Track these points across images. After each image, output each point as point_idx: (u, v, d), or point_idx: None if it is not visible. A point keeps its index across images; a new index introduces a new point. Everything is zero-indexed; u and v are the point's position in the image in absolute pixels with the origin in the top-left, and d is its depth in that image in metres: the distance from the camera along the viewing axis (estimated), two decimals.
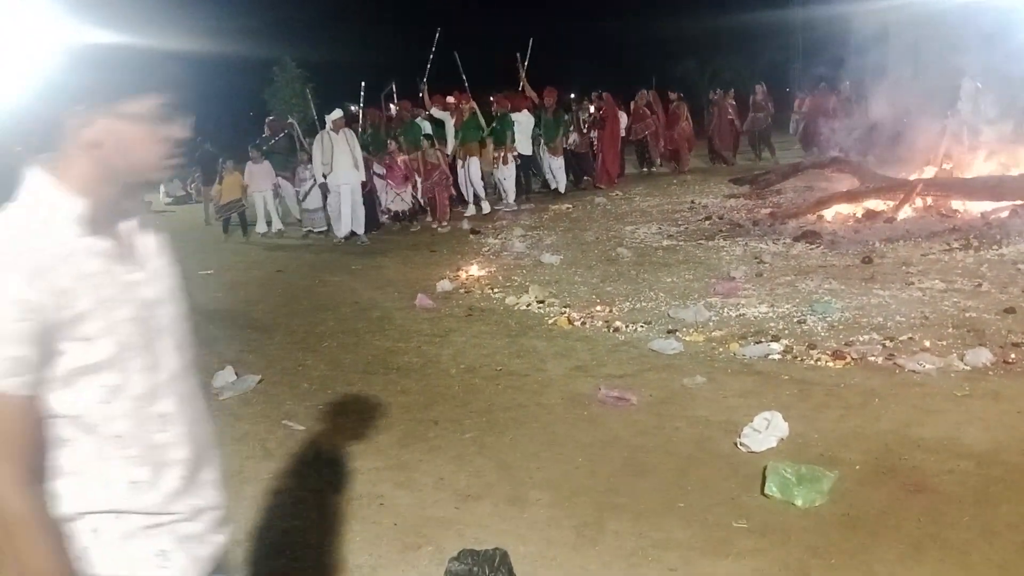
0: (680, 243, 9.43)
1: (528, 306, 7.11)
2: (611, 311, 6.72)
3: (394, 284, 8.52)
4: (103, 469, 1.44)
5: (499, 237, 10.91)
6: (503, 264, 9.07)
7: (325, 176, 11.47)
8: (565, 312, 6.76)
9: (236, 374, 5.63)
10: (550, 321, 6.60)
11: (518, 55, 15.02)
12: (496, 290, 7.83)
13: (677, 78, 35.20)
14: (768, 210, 10.97)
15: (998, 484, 3.43)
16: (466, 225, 12.03)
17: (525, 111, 14.16)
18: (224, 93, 28.33)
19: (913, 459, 3.71)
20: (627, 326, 6.24)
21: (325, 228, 12.38)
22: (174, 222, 14.49)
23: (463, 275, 8.61)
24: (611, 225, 11.14)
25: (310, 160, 12.18)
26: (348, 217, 11.54)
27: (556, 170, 14.94)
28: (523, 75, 15.10)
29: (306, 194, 12.56)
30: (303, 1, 37.07)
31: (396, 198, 12.46)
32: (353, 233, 11.63)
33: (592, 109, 16.02)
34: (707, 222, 10.70)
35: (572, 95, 16.69)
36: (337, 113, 11.64)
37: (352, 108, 14.21)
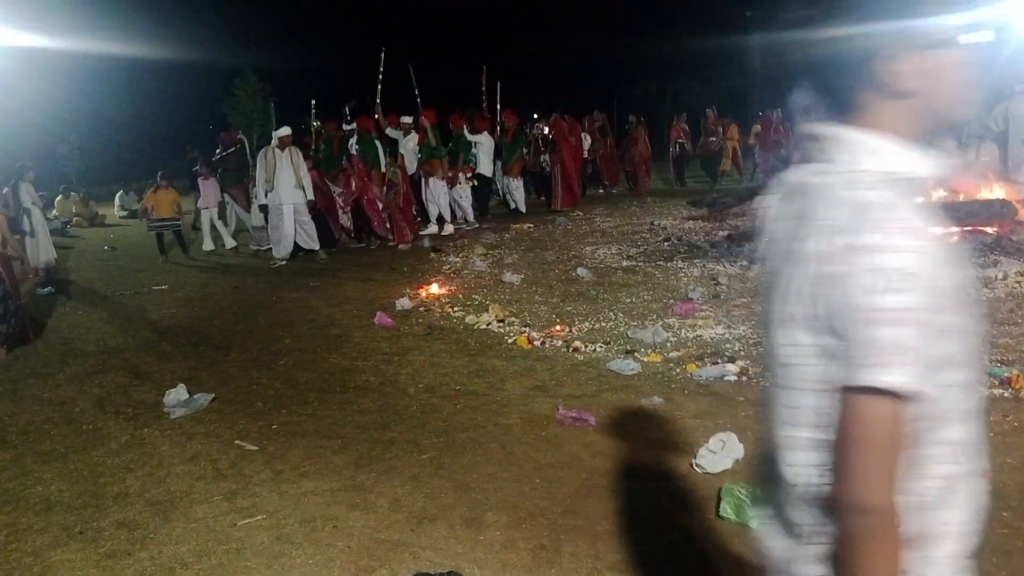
0: (639, 264, 9.50)
1: (488, 325, 7.10)
2: (571, 331, 6.74)
3: (353, 302, 8.45)
4: (934, 490, 1.25)
5: (460, 255, 10.90)
6: (463, 283, 9.06)
7: (266, 194, 11.12)
8: (525, 332, 6.76)
9: (188, 392, 5.53)
10: (510, 341, 6.60)
11: (483, 74, 15.09)
12: (456, 309, 7.81)
13: (638, 99, 35.75)
14: (726, 232, 11.12)
15: None
16: (427, 243, 12.00)
17: (486, 132, 14.22)
18: (184, 104, 28.06)
19: None
20: (586, 346, 6.26)
21: (271, 247, 12.03)
22: (129, 235, 14.25)
23: (423, 293, 8.58)
24: (572, 245, 11.19)
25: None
26: (290, 239, 11.19)
27: (514, 191, 15.02)
28: (484, 96, 15.18)
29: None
30: (267, 14, 36.85)
31: (344, 216, 12.33)
32: (303, 251, 11.39)
33: (545, 130, 16.04)
34: (666, 243, 10.81)
35: (536, 115, 16.81)
36: (285, 130, 11.32)
37: (315, 124, 14.07)
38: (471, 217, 13.71)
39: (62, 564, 3.47)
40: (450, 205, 13.41)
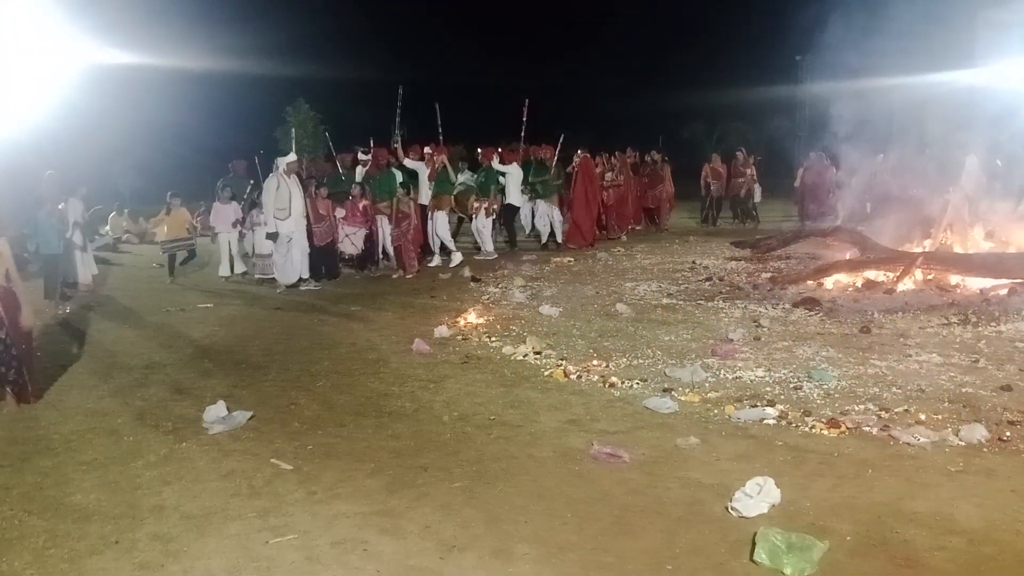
0: (680, 302, 9.44)
1: (525, 356, 7.10)
2: (608, 366, 6.71)
3: (392, 327, 8.52)
4: None
5: (499, 286, 10.94)
6: (502, 313, 9.07)
7: (280, 220, 10.94)
8: (561, 365, 6.74)
9: (228, 409, 5.60)
10: (546, 373, 6.58)
11: (524, 106, 15.19)
12: (494, 339, 7.82)
13: (684, 140, 35.78)
14: (768, 274, 11.02)
15: (989, 563, 3.39)
16: (467, 272, 12.07)
17: (515, 163, 14.36)
18: (239, 126, 28.77)
19: (905, 533, 3.67)
20: (623, 382, 6.22)
21: (274, 275, 11.65)
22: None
23: (461, 322, 8.61)
24: (612, 280, 11.17)
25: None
26: (301, 264, 11.18)
27: (556, 223, 15.07)
28: (524, 127, 15.28)
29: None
30: (323, 40, 37.69)
31: (346, 240, 12.19)
32: (302, 279, 11.26)
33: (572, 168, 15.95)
34: (707, 283, 10.74)
35: (579, 151, 16.80)
36: (291, 156, 11.30)
37: (360, 153, 14.24)
38: (490, 247, 13.91)
39: (97, 572, 3.52)
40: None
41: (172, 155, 26.96)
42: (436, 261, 13.23)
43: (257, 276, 12.12)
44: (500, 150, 14.48)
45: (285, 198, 10.85)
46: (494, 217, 14.23)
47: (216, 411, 5.56)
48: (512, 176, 14.30)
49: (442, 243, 13.41)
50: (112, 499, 4.30)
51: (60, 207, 10.83)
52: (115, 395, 6.32)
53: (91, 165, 22.03)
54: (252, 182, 13.20)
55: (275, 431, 5.34)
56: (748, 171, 18.84)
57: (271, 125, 33.47)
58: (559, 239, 15.05)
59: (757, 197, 19.69)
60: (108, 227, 18.55)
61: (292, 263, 11.16)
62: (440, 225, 13.34)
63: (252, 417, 5.55)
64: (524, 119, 15.20)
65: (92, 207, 17.62)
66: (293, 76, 32.10)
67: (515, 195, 14.51)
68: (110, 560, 3.63)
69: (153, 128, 26.33)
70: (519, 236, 15.53)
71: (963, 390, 5.74)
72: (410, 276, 12.05)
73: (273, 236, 11.07)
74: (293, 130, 13.73)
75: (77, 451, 5.06)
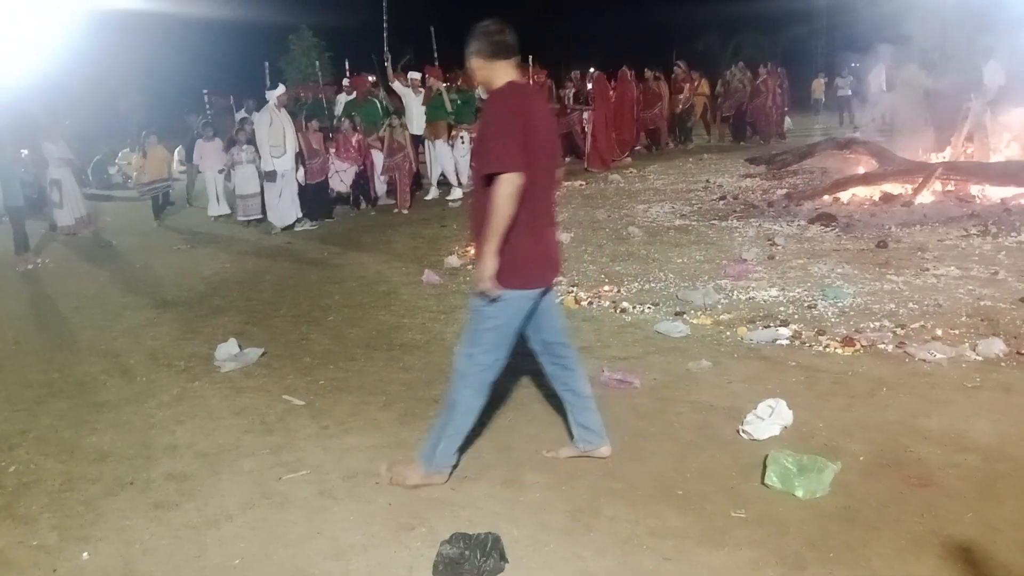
0: (692, 223, 9.31)
1: None
2: (619, 291, 6.64)
3: (402, 258, 8.47)
4: None
5: None
6: None
7: (275, 158, 10.25)
8: (572, 291, 6.69)
9: (239, 346, 5.61)
10: (556, 300, 6.52)
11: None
12: None
13: (699, 53, 34.88)
14: (784, 191, 10.82)
15: (1004, 480, 3.36)
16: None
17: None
18: (239, 60, 28.21)
19: (918, 451, 3.64)
20: (634, 307, 6.16)
21: (262, 216, 11.01)
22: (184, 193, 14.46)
23: (472, 251, 8.52)
24: (623, 203, 11.02)
25: (247, 141, 10.92)
26: (293, 204, 10.61)
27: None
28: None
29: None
30: None
31: (335, 176, 11.40)
32: (298, 220, 10.73)
33: (589, 86, 15.41)
34: (721, 202, 10.57)
35: (592, 70, 16.35)
36: (280, 89, 10.62)
37: (370, 79, 13.80)
38: (465, 179, 12.45)
39: (113, 513, 3.56)
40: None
41: (167, 99, 26.54)
42: (433, 193, 12.50)
43: (240, 218, 11.24)
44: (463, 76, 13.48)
45: (279, 134, 10.24)
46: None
47: (228, 349, 5.57)
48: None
49: (443, 174, 12.54)
50: (126, 439, 4.33)
51: (24, 153, 10.21)
52: (127, 335, 6.34)
53: (97, 108, 21.84)
54: (201, 116, 12.68)
55: (287, 367, 5.35)
56: (688, 86, 17.84)
57: (273, 60, 32.85)
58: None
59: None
60: (118, 164, 18.45)
61: (285, 203, 10.57)
62: (442, 155, 12.42)
63: (264, 354, 5.56)
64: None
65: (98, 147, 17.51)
66: (290, 16, 31.33)
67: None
68: (126, 500, 3.66)
69: (147, 73, 25.94)
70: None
71: (981, 303, 5.64)
72: (406, 211, 11.50)
73: (271, 175, 10.40)
74: (267, 63, 12.27)
75: (91, 392, 5.10)
